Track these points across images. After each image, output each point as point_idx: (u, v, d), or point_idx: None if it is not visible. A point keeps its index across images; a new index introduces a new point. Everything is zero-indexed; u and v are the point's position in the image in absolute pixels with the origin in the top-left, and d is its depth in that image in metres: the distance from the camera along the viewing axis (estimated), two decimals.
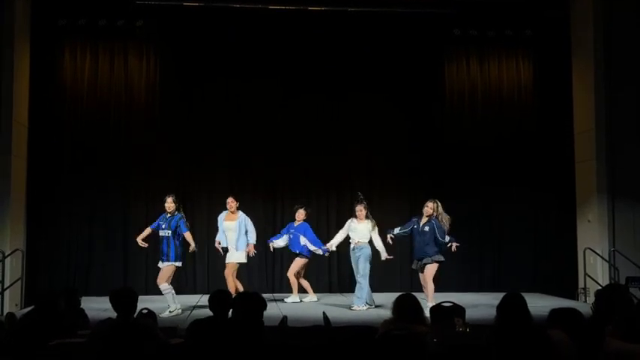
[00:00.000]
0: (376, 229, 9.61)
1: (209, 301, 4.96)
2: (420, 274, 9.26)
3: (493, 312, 4.59)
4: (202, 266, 11.51)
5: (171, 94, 11.66)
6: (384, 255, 9.52)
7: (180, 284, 11.15)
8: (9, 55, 9.96)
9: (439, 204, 9.31)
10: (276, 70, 11.75)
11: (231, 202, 9.74)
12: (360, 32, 11.74)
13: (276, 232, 11.67)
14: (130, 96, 11.64)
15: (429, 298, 8.78)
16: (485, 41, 11.95)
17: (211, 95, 11.71)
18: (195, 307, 9.45)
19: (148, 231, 9.19)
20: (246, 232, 9.64)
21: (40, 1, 10.81)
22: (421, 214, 9.36)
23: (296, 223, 10.33)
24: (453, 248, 9.23)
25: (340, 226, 11.67)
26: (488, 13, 11.63)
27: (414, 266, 9.46)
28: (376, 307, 9.36)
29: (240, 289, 9.32)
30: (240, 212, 9.78)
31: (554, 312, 4.29)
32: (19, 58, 10.24)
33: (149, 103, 11.66)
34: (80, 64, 11.50)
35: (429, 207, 9.23)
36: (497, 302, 4.55)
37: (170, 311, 8.71)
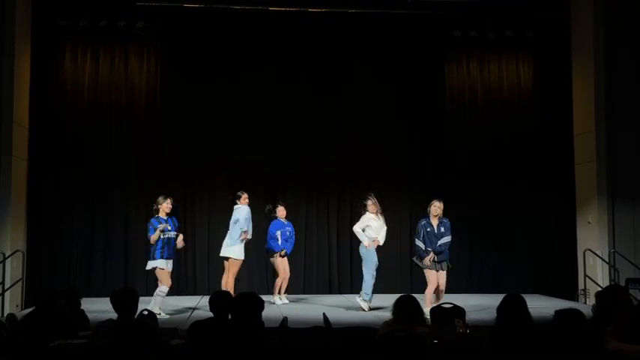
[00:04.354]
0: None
1: (209, 302, 4.97)
2: (431, 273, 8.93)
3: (493, 313, 4.60)
4: (203, 268, 11.52)
5: (172, 95, 11.68)
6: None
7: (181, 286, 11.16)
8: (10, 56, 9.95)
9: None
10: (276, 71, 11.77)
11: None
12: (360, 34, 11.76)
13: None
14: (131, 97, 11.66)
15: (441, 299, 8.70)
16: (485, 42, 11.96)
17: (212, 96, 11.71)
18: (195, 308, 9.44)
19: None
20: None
21: (41, 1, 10.81)
22: (425, 216, 9.22)
23: (285, 221, 10.30)
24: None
25: (340, 225, 11.73)
26: (489, 14, 11.63)
27: (429, 261, 8.93)
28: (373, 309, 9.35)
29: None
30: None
31: (559, 313, 4.35)
32: (20, 59, 10.24)
33: (150, 105, 11.68)
34: (81, 65, 11.52)
35: (438, 207, 9.12)
36: (497, 303, 4.57)
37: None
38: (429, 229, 8.99)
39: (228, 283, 9.38)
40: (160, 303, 8.77)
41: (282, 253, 10.06)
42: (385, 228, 9.50)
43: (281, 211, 10.26)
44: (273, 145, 11.79)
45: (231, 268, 9.47)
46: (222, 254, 9.66)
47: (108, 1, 11.15)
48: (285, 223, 10.27)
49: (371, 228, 9.39)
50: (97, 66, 11.57)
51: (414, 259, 9.31)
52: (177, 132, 11.64)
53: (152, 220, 8.92)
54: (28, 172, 10.64)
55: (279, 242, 10.04)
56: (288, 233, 10.19)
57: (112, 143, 11.54)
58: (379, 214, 9.45)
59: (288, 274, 10.25)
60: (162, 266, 8.79)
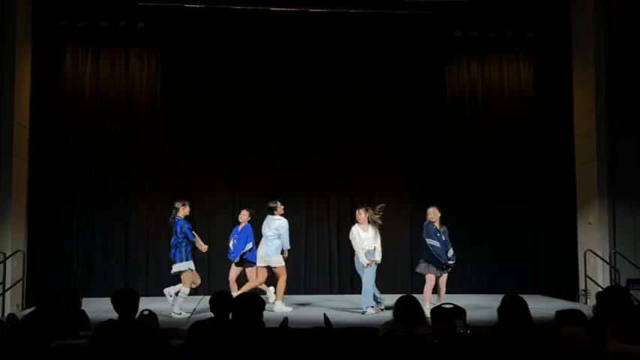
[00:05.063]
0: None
1: (210, 302, 4.97)
2: (430, 276, 9.12)
3: (494, 314, 4.59)
4: (203, 268, 11.50)
5: (173, 95, 11.68)
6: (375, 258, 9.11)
7: None
8: (10, 56, 9.97)
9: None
10: (277, 72, 11.76)
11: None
12: (361, 34, 11.76)
13: None
14: (131, 97, 11.66)
15: (442, 299, 8.82)
16: (486, 43, 11.96)
17: (212, 96, 11.71)
18: (195, 308, 9.44)
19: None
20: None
21: (42, 2, 10.82)
22: (427, 220, 9.30)
23: (240, 227, 9.71)
24: None
25: (341, 226, 11.70)
26: (489, 14, 11.63)
27: (437, 273, 9.15)
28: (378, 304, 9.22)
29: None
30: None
31: (560, 313, 4.36)
32: (21, 59, 10.25)
33: (150, 105, 11.69)
34: (81, 65, 11.52)
35: (432, 211, 9.24)
36: (497, 304, 4.56)
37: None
38: (438, 234, 9.10)
39: (281, 288, 9.29)
40: (181, 303, 8.93)
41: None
42: (378, 239, 9.16)
43: (240, 216, 9.78)
44: (273, 146, 11.79)
45: (282, 275, 9.33)
46: (265, 264, 9.34)
47: (108, 2, 11.16)
48: (240, 229, 9.69)
49: (360, 239, 9.12)
50: (98, 66, 11.57)
51: (417, 269, 9.32)
52: (177, 133, 11.64)
53: (187, 226, 8.98)
54: (28, 172, 10.65)
55: (230, 248, 9.65)
56: (235, 240, 9.62)
57: (113, 143, 11.54)
58: (370, 225, 9.15)
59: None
60: (192, 267, 9.03)
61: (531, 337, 4.22)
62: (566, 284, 11.09)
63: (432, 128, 12.09)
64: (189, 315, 8.83)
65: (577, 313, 4.37)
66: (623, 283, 9.34)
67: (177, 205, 9.12)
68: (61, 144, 11.30)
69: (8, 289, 9.63)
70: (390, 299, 5.35)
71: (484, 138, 12.09)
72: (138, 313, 5.06)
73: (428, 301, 8.80)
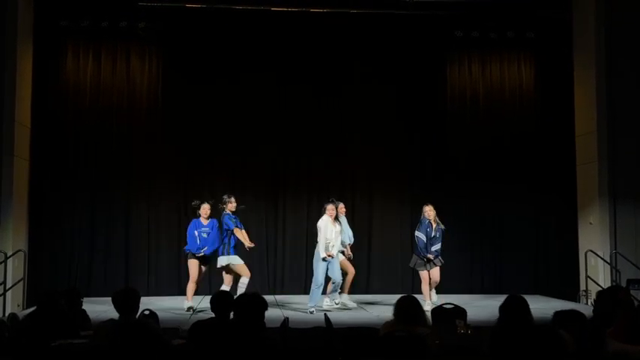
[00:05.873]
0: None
1: (211, 302, 4.97)
2: (423, 272, 9.40)
3: (494, 314, 4.60)
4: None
5: (173, 96, 11.67)
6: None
7: (183, 286, 11.14)
8: (11, 56, 9.98)
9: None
10: (277, 72, 11.75)
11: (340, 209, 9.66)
12: (362, 34, 11.76)
13: (277, 233, 11.68)
14: (132, 98, 11.66)
15: (432, 296, 9.10)
16: (486, 43, 11.95)
17: (213, 96, 11.70)
18: (196, 308, 9.44)
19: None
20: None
21: (43, 2, 10.83)
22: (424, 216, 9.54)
23: (206, 222, 9.51)
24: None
25: None
26: (490, 14, 11.63)
27: (418, 266, 9.47)
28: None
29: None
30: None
31: (559, 314, 4.34)
32: (22, 59, 10.26)
33: (151, 105, 11.68)
34: (83, 66, 11.52)
35: (429, 209, 9.45)
36: (498, 304, 4.57)
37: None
38: (428, 229, 9.39)
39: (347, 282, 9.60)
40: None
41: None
42: (340, 238, 9.24)
43: (202, 210, 9.49)
44: (273, 146, 11.79)
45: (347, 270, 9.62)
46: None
47: (109, 2, 11.16)
48: (205, 223, 9.49)
49: (327, 232, 9.15)
50: (99, 66, 11.57)
51: (410, 264, 9.66)
52: (178, 133, 11.64)
53: (228, 216, 9.20)
54: (29, 171, 10.66)
55: (198, 242, 9.33)
56: (205, 235, 9.35)
57: (113, 143, 11.54)
58: (338, 220, 9.28)
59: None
60: (238, 262, 9.20)
61: (532, 338, 4.22)
62: (566, 285, 11.09)
63: (432, 128, 12.08)
64: None
65: (576, 314, 4.36)
66: (624, 284, 9.34)
67: (225, 199, 9.34)
68: (62, 144, 11.30)
69: (9, 288, 9.64)
70: (391, 299, 5.35)
71: (484, 138, 12.07)
72: (138, 313, 5.06)
73: (427, 299, 9.04)
